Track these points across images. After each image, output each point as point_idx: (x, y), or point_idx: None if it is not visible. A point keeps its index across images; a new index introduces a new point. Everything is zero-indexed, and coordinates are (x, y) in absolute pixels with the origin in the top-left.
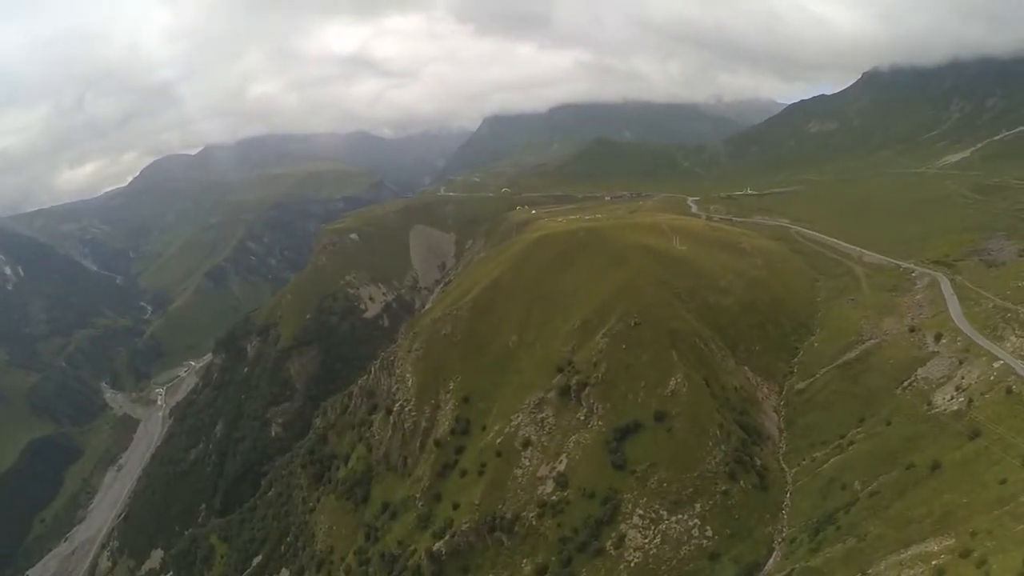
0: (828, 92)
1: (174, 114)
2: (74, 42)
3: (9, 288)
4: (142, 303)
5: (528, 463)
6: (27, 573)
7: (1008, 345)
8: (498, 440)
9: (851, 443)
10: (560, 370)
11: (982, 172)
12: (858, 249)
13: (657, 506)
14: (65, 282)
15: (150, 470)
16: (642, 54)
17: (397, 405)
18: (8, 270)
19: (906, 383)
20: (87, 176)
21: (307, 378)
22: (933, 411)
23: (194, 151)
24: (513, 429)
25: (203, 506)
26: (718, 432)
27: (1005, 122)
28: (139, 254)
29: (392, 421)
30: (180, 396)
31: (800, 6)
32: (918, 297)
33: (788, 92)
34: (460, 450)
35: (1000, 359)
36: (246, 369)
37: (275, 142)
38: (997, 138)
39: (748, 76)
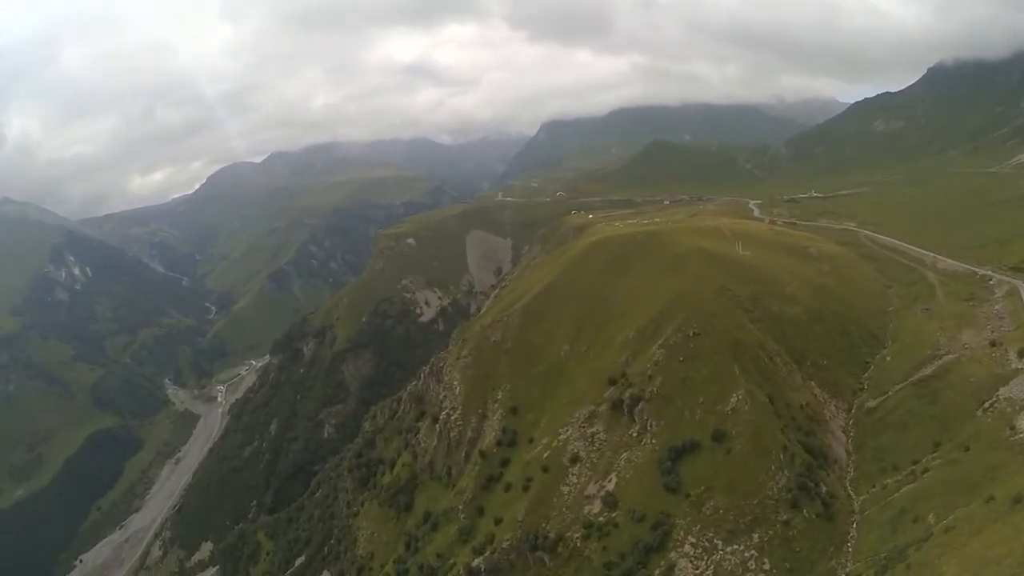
0: (892, 90)
1: (240, 124)
2: (143, 55)
3: (77, 288)
4: (207, 304)
5: (575, 480)
6: (81, 558)
7: None
8: (545, 454)
9: (926, 470)
10: (613, 382)
11: None
12: (931, 254)
13: (711, 534)
14: (132, 283)
15: (207, 464)
16: (699, 57)
17: (444, 413)
18: (77, 271)
19: (987, 404)
20: (157, 183)
21: (361, 380)
22: (1016, 437)
23: (259, 159)
24: (561, 443)
25: (254, 502)
26: (781, 455)
27: None
28: (205, 257)
29: (438, 429)
30: (240, 394)
31: (859, 2)
32: (997, 307)
33: (850, 91)
34: (506, 463)
35: None
36: (302, 370)
37: (338, 149)
38: None
39: (809, 76)
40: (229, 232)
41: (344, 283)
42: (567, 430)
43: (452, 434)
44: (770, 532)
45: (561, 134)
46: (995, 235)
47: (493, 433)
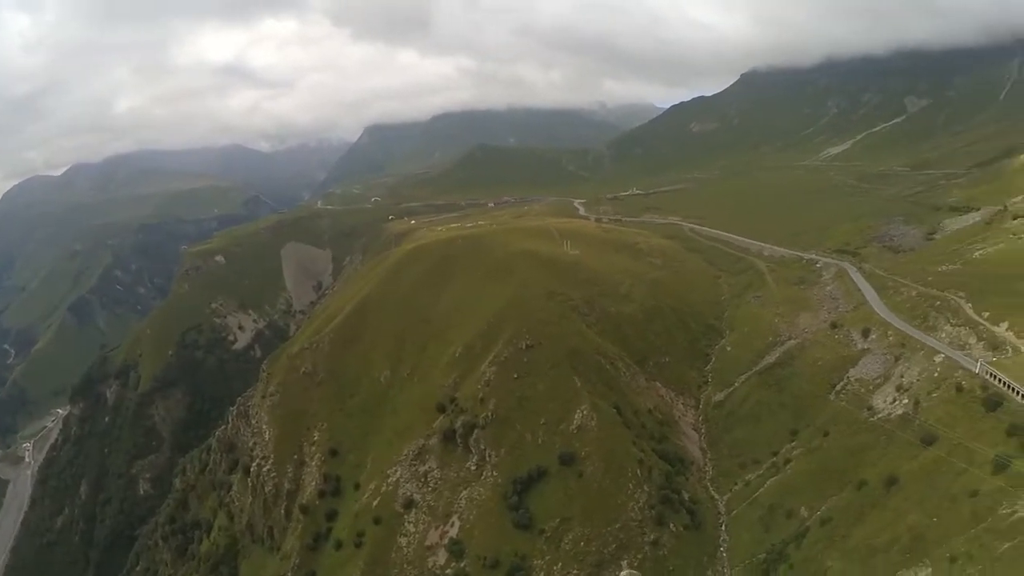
0: (707, 94)
1: (37, 130)
2: None
3: None
4: (5, 346)
5: (413, 528)
6: None
7: (944, 335)
8: (375, 501)
9: (787, 461)
10: (442, 410)
11: (864, 162)
12: (756, 243)
13: (576, 571)
14: None
15: (21, 542)
16: (525, 61)
17: (255, 464)
18: None
19: (839, 387)
20: None
21: (173, 424)
22: (876, 417)
23: (59, 171)
24: (391, 487)
25: None
26: (638, 470)
27: (881, 115)
28: (0, 289)
29: (250, 483)
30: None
31: (680, 11)
32: (828, 289)
33: (670, 96)
34: (332, 515)
35: (940, 352)
36: (107, 418)
37: (144, 159)
38: (875, 130)
39: (631, 82)
40: (26, 258)
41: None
42: (396, 470)
43: (267, 488)
44: (639, 556)
45: (385, 139)
46: (814, 222)
47: (313, 482)
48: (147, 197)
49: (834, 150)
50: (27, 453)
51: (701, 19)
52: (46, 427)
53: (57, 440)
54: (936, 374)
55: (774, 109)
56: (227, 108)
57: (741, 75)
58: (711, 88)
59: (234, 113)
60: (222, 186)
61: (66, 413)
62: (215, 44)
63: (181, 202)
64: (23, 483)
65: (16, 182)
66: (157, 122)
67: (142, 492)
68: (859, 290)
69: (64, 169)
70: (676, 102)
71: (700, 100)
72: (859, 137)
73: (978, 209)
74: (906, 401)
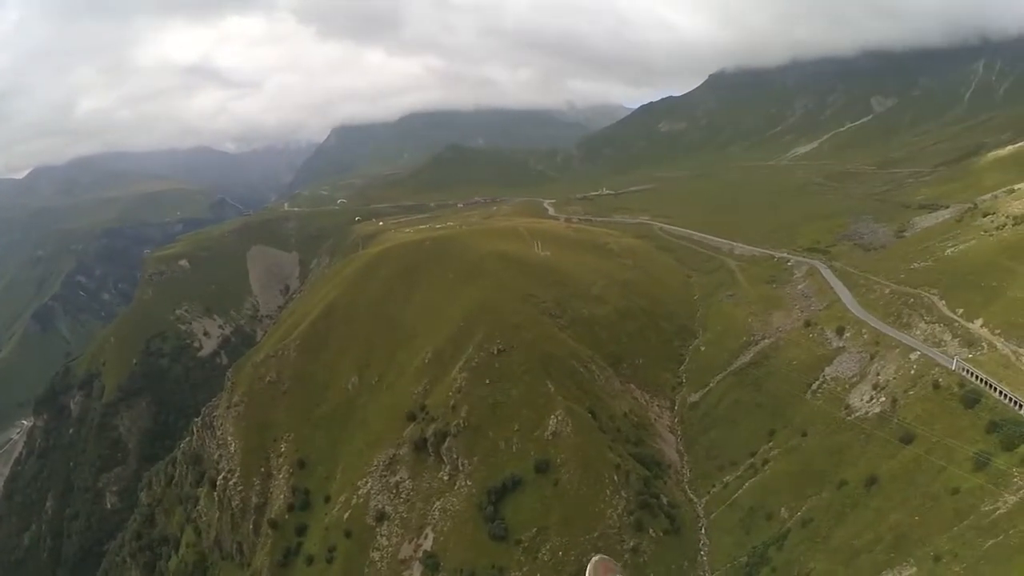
0: (675, 95)
1: None
2: None
3: None
4: None
5: (386, 542)
6: None
7: (918, 333)
8: (346, 514)
9: (765, 461)
10: (412, 418)
11: (831, 161)
12: (727, 242)
13: None
14: None
15: None
16: (493, 61)
17: (221, 477)
18: None
19: (815, 386)
20: None
21: (139, 435)
22: (853, 416)
23: (20, 175)
24: (362, 499)
25: None
26: (615, 476)
27: (848, 115)
28: None
29: (217, 497)
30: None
31: (647, 12)
32: (800, 287)
33: (638, 96)
34: (302, 530)
35: (916, 349)
36: (71, 430)
37: (108, 161)
38: (842, 130)
39: (598, 82)
40: None
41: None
42: (367, 482)
43: (234, 502)
44: (619, 563)
45: (352, 140)
46: (784, 221)
47: (282, 496)
48: (111, 201)
49: (802, 149)
50: None
51: (667, 20)
52: (11, 439)
53: (21, 454)
54: (912, 372)
55: (742, 109)
56: (193, 109)
57: (709, 76)
58: (678, 89)
59: (200, 114)
60: (188, 189)
61: (31, 425)
62: (180, 43)
63: (146, 205)
64: None
65: None
66: (122, 124)
67: (109, 506)
68: (831, 288)
69: (26, 172)
70: (644, 102)
71: (669, 100)
72: (826, 137)
73: (947, 207)
74: (883, 399)
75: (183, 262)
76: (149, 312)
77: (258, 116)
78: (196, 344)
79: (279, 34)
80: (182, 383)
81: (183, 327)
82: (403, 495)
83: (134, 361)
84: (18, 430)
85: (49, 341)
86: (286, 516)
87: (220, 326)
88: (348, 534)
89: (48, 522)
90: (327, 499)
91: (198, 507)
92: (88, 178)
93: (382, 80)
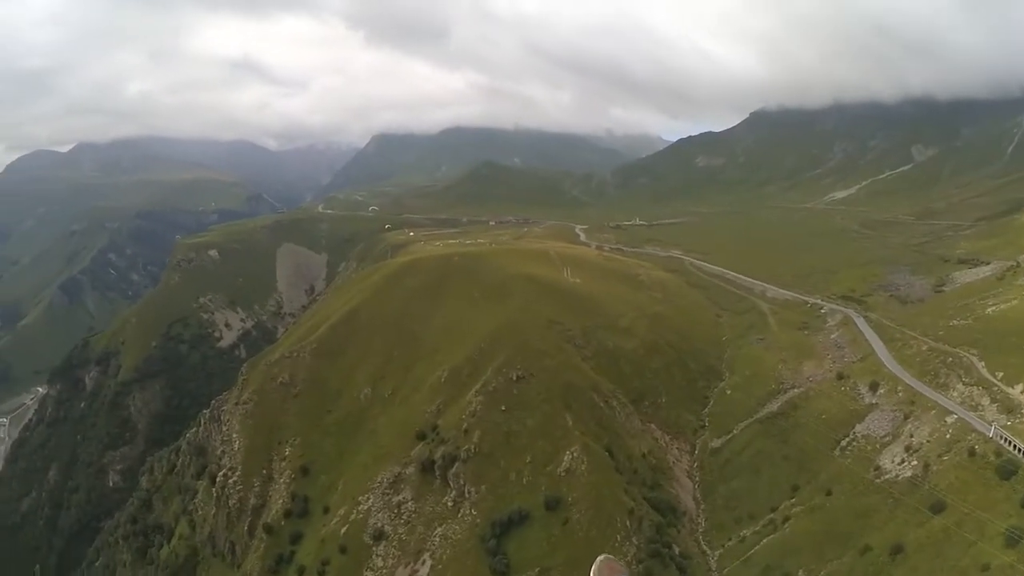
0: (714, 130)
1: (43, 106)
2: None
3: None
4: None
5: (381, 563)
6: None
7: (955, 394)
8: (343, 528)
9: (786, 518)
10: (422, 437)
11: (869, 208)
12: (759, 283)
13: None
14: None
15: None
16: (535, 80)
17: (221, 474)
18: None
19: (844, 443)
20: None
21: (149, 417)
22: (883, 478)
23: (65, 148)
24: (362, 515)
25: (37, 567)
26: (628, 521)
27: (888, 162)
28: None
29: (215, 494)
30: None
31: (690, 43)
32: (833, 336)
33: (676, 128)
34: (297, 539)
35: (952, 412)
36: (83, 404)
37: (150, 144)
38: (880, 177)
39: (638, 111)
40: (22, 232)
41: None
42: (368, 498)
43: (232, 501)
44: (624, 563)
45: (392, 148)
46: (819, 265)
47: (281, 500)
48: (150, 183)
49: (840, 194)
50: (2, 429)
51: (709, 50)
52: (24, 404)
53: (31, 420)
54: (948, 436)
55: (781, 149)
56: (237, 102)
57: (750, 113)
58: (713, 122)
59: (244, 108)
60: (226, 180)
61: (44, 394)
62: (229, 37)
63: (183, 192)
64: None
65: (21, 154)
66: (165, 109)
67: (111, 484)
68: (866, 340)
69: (70, 147)
70: (680, 134)
71: (708, 135)
72: (865, 183)
73: (988, 263)
74: (915, 463)
75: (213, 252)
76: (174, 297)
77: (301, 115)
78: (216, 334)
79: (327, 37)
80: (198, 371)
81: (205, 316)
82: (404, 516)
83: (153, 344)
84: (32, 396)
85: (74, 313)
86: (282, 522)
87: (242, 319)
88: (343, 550)
89: (49, 491)
90: (326, 510)
91: (195, 500)
92: (129, 159)
93: (425, 91)
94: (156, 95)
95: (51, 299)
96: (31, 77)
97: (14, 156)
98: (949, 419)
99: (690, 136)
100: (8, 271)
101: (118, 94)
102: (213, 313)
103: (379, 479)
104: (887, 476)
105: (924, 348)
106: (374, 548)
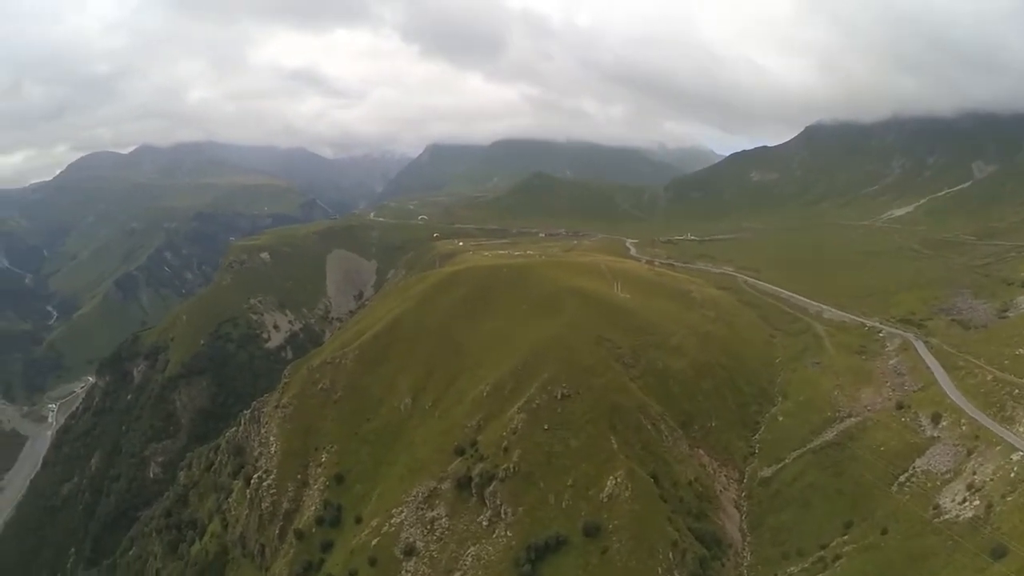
0: (769, 144)
1: (108, 110)
2: (16, 21)
3: None
4: (48, 307)
5: None
6: None
7: (1022, 429)
8: (375, 541)
9: (837, 557)
10: (460, 452)
11: (928, 227)
12: (815, 303)
13: None
14: None
15: (27, 500)
16: (587, 94)
17: (256, 475)
18: None
19: (903, 478)
20: (15, 165)
21: (194, 413)
22: (942, 518)
23: (127, 150)
24: (394, 528)
25: (73, 550)
26: (671, 553)
27: (947, 179)
28: (53, 253)
29: (249, 495)
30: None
31: (742, 56)
32: (892, 362)
33: (729, 143)
34: (327, 547)
35: (1019, 449)
36: (129, 396)
37: (209, 149)
38: (940, 194)
39: (690, 125)
40: (83, 228)
41: None
42: (402, 511)
43: (264, 504)
44: None
45: (445, 158)
46: (878, 286)
47: (313, 507)
48: (208, 187)
49: (897, 212)
50: (51, 414)
51: (762, 63)
52: (74, 392)
53: (78, 408)
54: (1012, 475)
55: (837, 164)
56: (295, 111)
57: (805, 127)
58: (767, 136)
59: (301, 117)
60: (281, 186)
61: (93, 383)
62: (289, 49)
63: (240, 196)
64: (41, 443)
65: (84, 154)
66: (226, 116)
67: (151, 475)
68: (927, 367)
69: (131, 149)
70: (734, 149)
71: (762, 149)
72: (923, 200)
73: None
74: (977, 503)
75: (265, 255)
76: (224, 297)
77: (357, 125)
78: (264, 335)
79: (384, 49)
80: (244, 370)
81: (254, 317)
82: (437, 533)
83: (201, 341)
84: (82, 384)
85: (127, 308)
86: (313, 529)
87: (290, 322)
88: (373, 562)
89: (90, 478)
90: (358, 520)
91: (230, 499)
92: (189, 163)
93: (478, 103)
94: (217, 102)
95: (106, 293)
96: (98, 82)
97: (79, 155)
98: (1015, 456)
99: (744, 150)
100: (67, 265)
101: (180, 100)
102: (262, 314)
103: (414, 493)
104: (946, 516)
105: (989, 378)
106: (404, 563)
